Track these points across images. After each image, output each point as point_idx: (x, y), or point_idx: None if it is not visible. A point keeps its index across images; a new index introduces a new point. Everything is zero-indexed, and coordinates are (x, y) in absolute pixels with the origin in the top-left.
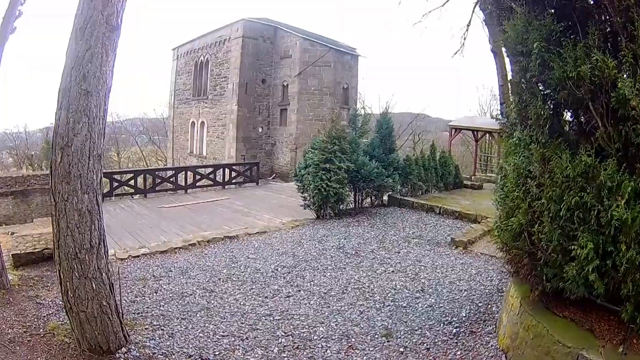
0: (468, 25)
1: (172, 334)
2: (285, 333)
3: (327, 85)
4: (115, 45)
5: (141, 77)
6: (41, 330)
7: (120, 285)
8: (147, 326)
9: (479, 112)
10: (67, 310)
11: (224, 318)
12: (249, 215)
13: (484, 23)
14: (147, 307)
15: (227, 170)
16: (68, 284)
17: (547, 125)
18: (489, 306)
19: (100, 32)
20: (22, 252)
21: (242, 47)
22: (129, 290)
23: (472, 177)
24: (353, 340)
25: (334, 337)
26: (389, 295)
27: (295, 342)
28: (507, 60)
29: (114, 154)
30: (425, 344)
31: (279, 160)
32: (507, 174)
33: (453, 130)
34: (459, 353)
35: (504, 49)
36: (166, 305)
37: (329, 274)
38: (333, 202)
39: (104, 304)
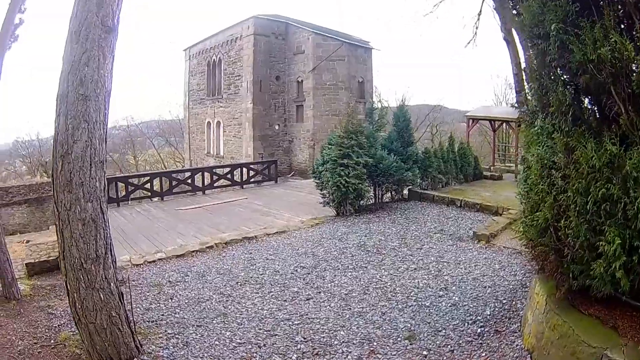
0: (479, 14)
1: (187, 342)
2: (304, 338)
3: (342, 79)
4: (113, 47)
5: (141, 78)
6: (52, 341)
7: (131, 293)
8: (161, 335)
9: (495, 101)
10: (76, 322)
11: (241, 324)
12: (268, 214)
13: (495, 11)
14: (162, 315)
15: (244, 170)
16: (75, 295)
17: (570, 112)
18: (513, 302)
19: (96, 35)
20: (36, 260)
21: (254, 45)
22: (143, 298)
23: (492, 168)
24: (375, 344)
25: (354, 342)
26: (411, 294)
27: (314, 348)
28: (519, 48)
29: (131, 158)
30: (449, 346)
31: (297, 157)
32: (530, 165)
33: (470, 121)
34: (484, 354)
35: (517, 37)
36: (182, 312)
37: (349, 273)
38: (352, 198)
39: (113, 314)
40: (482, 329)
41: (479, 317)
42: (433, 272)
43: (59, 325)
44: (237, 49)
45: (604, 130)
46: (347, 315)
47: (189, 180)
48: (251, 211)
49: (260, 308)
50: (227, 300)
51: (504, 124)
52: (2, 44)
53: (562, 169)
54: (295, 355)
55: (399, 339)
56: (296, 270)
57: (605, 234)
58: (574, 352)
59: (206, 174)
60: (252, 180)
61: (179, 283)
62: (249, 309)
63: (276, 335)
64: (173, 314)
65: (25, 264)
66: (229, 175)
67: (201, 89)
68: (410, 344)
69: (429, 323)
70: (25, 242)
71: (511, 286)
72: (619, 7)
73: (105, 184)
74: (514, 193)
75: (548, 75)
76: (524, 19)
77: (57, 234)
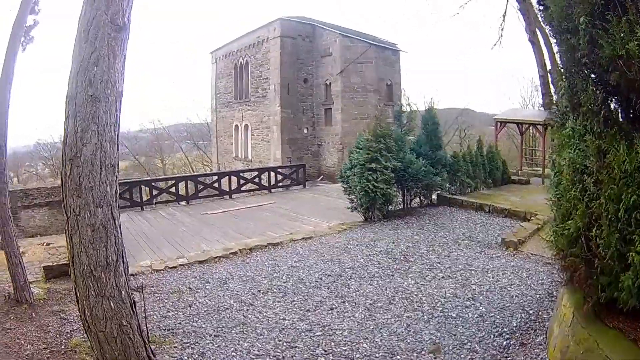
0: (504, 15)
1: (202, 352)
2: (325, 351)
3: (370, 82)
4: (124, 47)
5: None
6: (62, 347)
7: (143, 300)
8: (176, 344)
9: (521, 104)
10: (86, 330)
11: (261, 334)
12: (296, 219)
13: (519, 12)
14: (179, 323)
15: (272, 174)
16: (84, 303)
17: (602, 113)
18: (540, 313)
19: (106, 33)
20: (54, 264)
21: (281, 47)
22: (161, 305)
23: (519, 172)
24: (398, 357)
25: (377, 355)
26: (438, 304)
27: None
28: (544, 49)
29: (158, 161)
30: None
31: (326, 161)
32: (562, 169)
33: (499, 124)
34: None
35: (541, 39)
36: (200, 321)
37: (375, 282)
38: (381, 203)
39: (124, 323)
40: (508, 341)
41: (505, 329)
42: (461, 280)
43: (70, 330)
44: (264, 52)
45: (636, 132)
46: (371, 327)
47: (216, 184)
48: (278, 216)
49: (281, 318)
50: (247, 309)
51: (531, 127)
52: (13, 45)
53: (594, 174)
54: None
55: (423, 352)
56: (321, 279)
57: (636, 243)
58: None
59: (233, 178)
60: (280, 184)
61: (199, 290)
62: (270, 319)
63: (296, 347)
64: (190, 323)
65: (43, 267)
66: (256, 179)
67: (228, 91)
68: (435, 358)
69: (454, 335)
70: (45, 244)
71: (538, 295)
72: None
73: (117, 189)
74: (542, 198)
75: (578, 73)
76: (551, 12)
77: (67, 240)
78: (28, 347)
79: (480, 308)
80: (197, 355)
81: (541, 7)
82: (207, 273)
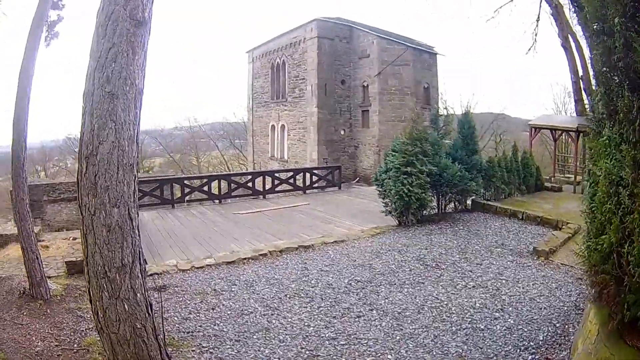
0: (537, 20)
1: (220, 358)
2: None
3: (407, 84)
4: (144, 42)
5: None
6: (75, 345)
7: (161, 302)
8: (194, 348)
9: (555, 110)
10: (99, 331)
11: (283, 341)
12: (329, 222)
13: (552, 17)
14: (200, 326)
15: (307, 175)
16: (98, 303)
17: (638, 121)
18: (566, 327)
19: (124, 28)
20: (78, 259)
21: (319, 48)
22: (183, 306)
23: (552, 179)
24: None
25: None
26: (467, 315)
27: None
28: (577, 56)
29: (194, 158)
30: None
31: (362, 163)
32: (597, 180)
33: (533, 130)
34: None
35: (573, 44)
36: (221, 324)
37: (405, 289)
38: (415, 208)
39: (138, 326)
40: (533, 356)
41: (531, 343)
42: (491, 290)
43: (86, 329)
44: (301, 52)
45: None
46: (398, 337)
47: (249, 184)
48: (312, 218)
49: (306, 324)
50: (272, 314)
51: (564, 134)
52: (33, 41)
53: (629, 186)
54: None
55: None
56: (350, 284)
57: None
58: None
59: (267, 178)
60: (315, 185)
61: (224, 292)
62: (294, 325)
63: (318, 356)
64: (212, 326)
65: (66, 262)
66: (291, 180)
67: (265, 91)
68: None
69: (481, 348)
70: (71, 239)
71: (565, 307)
72: None
73: (135, 189)
74: (574, 206)
75: (614, 78)
76: (586, 12)
77: (82, 239)
78: (38, 343)
79: (509, 320)
80: None
81: (575, 7)
82: (234, 274)
